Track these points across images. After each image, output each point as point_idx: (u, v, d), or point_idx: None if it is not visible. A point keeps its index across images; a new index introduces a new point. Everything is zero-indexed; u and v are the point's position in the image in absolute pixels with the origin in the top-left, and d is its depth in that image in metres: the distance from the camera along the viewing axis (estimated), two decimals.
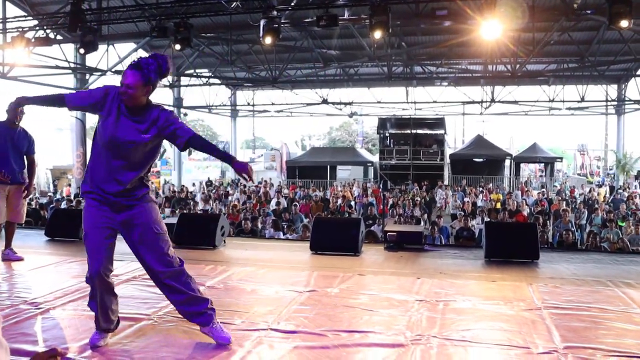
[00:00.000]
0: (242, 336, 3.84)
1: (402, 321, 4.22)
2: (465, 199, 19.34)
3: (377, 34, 9.99)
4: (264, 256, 7.33)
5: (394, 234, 7.60)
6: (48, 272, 6.05)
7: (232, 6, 12.58)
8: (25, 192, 6.54)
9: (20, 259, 6.54)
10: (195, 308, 3.75)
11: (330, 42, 22.14)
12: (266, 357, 3.49)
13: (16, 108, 6.28)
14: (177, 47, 11.95)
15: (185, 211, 14.92)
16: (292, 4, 13.31)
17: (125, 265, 6.34)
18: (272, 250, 8.07)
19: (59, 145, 26.99)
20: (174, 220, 8.60)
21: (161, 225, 3.71)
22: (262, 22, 11.01)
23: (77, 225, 8.14)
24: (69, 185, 24.84)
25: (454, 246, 9.16)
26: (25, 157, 6.45)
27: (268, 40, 11.03)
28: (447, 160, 30.23)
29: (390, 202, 18.24)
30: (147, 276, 5.62)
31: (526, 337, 3.90)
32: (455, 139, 43.56)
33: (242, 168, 3.52)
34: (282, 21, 12.24)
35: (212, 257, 6.97)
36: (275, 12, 11.14)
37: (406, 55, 22.09)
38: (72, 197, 18.78)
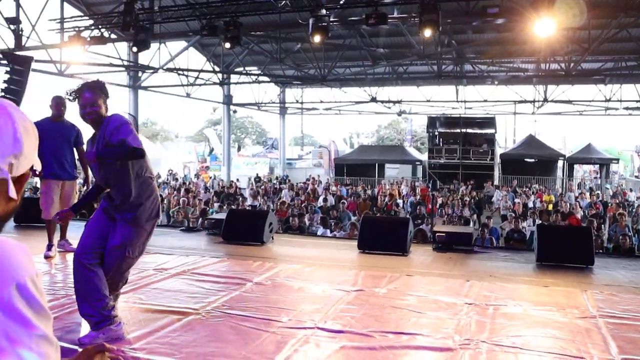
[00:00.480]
0: (289, 334, 3.84)
1: (451, 324, 4.15)
2: (516, 200, 18.94)
3: (427, 33, 9.85)
4: (311, 254, 7.33)
5: (443, 234, 7.49)
6: None
7: (281, 5, 12.60)
8: (85, 185, 6.74)
9: (74, 250, 6.66)
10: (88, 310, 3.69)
11: (379, 40, 21.99)
12: (312, 356, 3.48)
13: (58, 104, 6.50)
14: (227, 45, 12.05)
15: (233, 206, 15.09)
16: (341, 2, 13.24)
17: (175, 259, 6.44)
18: (320, 247, 8.06)
19: None
20: (222, 215, 8.69)
21: (133, 250, 3.78)
22: (310, 21, 10.99)
23: None
24: None
25: (504, 248, 8.96)
26: (75, 149, 6.59)
27: (317, 38, 11.00)
28: (498, 160, 29.66)
29: (440, 201, 18.00)
30: (196, 270, 5.77)
31: (580, 346, 3.76)
32: (506, 139, 42.67)
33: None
34: (331, 19, 12.18)
35: (260, 254, 7.00)
36: (324, 11, 11.10)
37: (456, 54, 21.76)
38: None
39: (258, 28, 18.61)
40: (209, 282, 5.34)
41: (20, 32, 14.51)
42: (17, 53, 13.75)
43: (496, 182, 26.25)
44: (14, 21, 14.20)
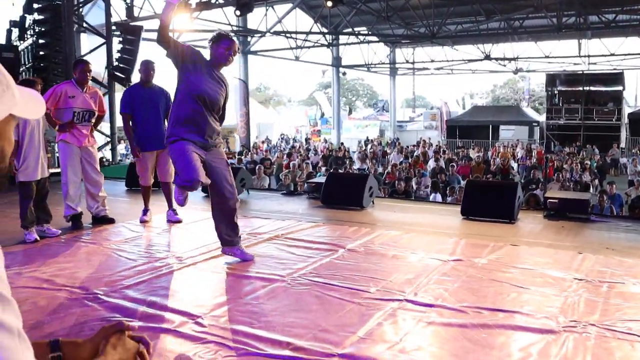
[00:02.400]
0: (375, 306, 3.62)
1: (556, 303, 3.73)
2: None
3: None
4: (412, 219, 7.03)
5: (555, 200, 6.90)
6: (197, 228, 6.24)
7: None
8: None
9: (179, 221, 6.63)
10: None
11: None
12: (396, 331, 3.23)
13: (147, 68, 6.50)
14: (329, 4, 11.78)
15: (340, 170, 15.00)
16: None
17: (270, 223, 6.39)
18: (422, 213, 7.73)
19: (227, 105, 28.23)
20: (323, 179, 8.56)
21: None
22: None
23: None
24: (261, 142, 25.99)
25: (628, 218, 8.16)
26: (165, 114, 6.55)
27: None
28: (625, 120, 27.47)
29: (556, 165, 16.94)
30: (290, 235, 5.67)
31: None
32: (637, 97, 39.51)
33: None
34: None
35: (357, 219, 6.81)
36: None
37: (579, 3, 20.09)
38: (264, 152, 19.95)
39: None
40: (300, 247, 5.21)
41: (131, 4, 14.97)
42: (129, 23, 14.22)
43: (622, 145, 24.35)
44: None
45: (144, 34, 13.67)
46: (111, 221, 6.39)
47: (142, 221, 6.54)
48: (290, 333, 3.15)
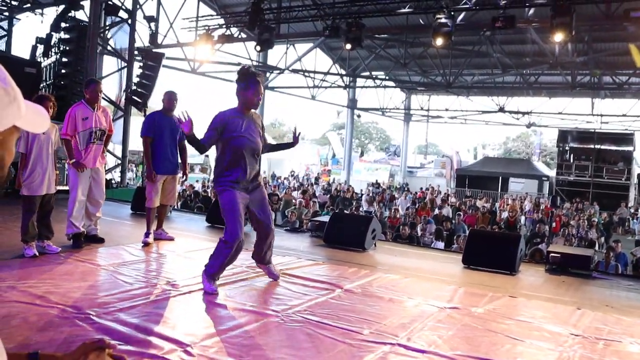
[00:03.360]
0: (366, 348, 3.57)
1: (551, 357, 3.67)
2: None
3: (558, 37, 9.14)
4: (411, 264, 6.97)
5: (558, 255, 6.84)
6: (198, 257, 6.21)
7: (405, 6, 12.28)
8: (184, 176, 6.98)
9: (170, 239, 6.88)
10: None
11: (510, 48, 21.03)
12: None
13: (171, 98, 6.69)
14: (348, 46, 11.95)
15: (346, 211, 14.97)
16: (466, 4, 12.69)
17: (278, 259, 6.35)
18: (423, 259, 7.67)
19: None
20: (325, 218, 8.54)
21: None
22: (433, 24, 10.62)
23: None
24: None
25: (631, 277, 8.07)
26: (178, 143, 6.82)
27: (439, 42, 10.61)
28: (635, 180, 27.38)
29: (562, 220, 16.83)
30: (289, 272, 5.63)
31: None
32: None
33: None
34: (457, 23, 11.69)
35: (358, 260, 6.77)
36: (442, 17, 10.66)
37: (593, 63, 20.27)
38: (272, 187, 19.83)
39: (383, 31, 18.36)
40: (298, 284, 5.17)
41: (156, 31, 15.28)
42: (151, 50, 14.49)
43: (631, 204, 24.24)
44: (151, 19, 14.98)
45: (164, 61, 13.90)
46: (100, 241, 6.41)
47: (145, 243, 6.56)
48: None
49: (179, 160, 6.89)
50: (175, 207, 13.33)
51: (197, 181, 22.35)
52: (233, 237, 4.61)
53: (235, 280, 5.15)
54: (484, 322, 4.37)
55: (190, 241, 7.19)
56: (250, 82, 4.70)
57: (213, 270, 4.71)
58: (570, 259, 6.81)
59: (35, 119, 1.10)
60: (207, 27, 14.68)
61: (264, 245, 5.10)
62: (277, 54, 23.03)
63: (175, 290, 4.66)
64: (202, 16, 15.96)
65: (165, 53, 14.15)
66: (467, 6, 11.43)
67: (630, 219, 19.79)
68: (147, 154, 6.59)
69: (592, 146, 28.17)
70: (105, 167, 6.66)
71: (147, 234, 6.69)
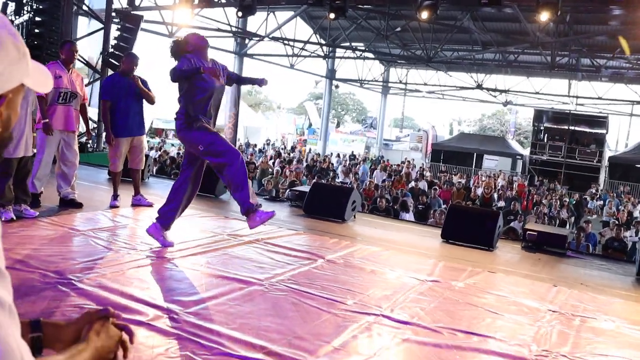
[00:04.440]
0: (351, 318, 3.60)
1: (529, 331, 3.76)
2: (620, 207, 17.69)
3: (544, 16, 9.16)
4: (392, 237, 7.04)
5: (534, 233, 6.96)
6: (178, 224, 6.16)
7: None
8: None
9: (150, 205, 6.82)
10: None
11: (492, 25, 21.03)
12: (371, 345, 3.22)
13: (132, 61, 6.58)
14: (332, 15, 11.79)
15: (322, 181, 14.98)
16: None
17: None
18: (402, 232, 7.74)
19: None
20: (307, 188, 8.54)
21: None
22: None
23: (214, 182, 8.34)
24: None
25: (601, 256, 8.25)
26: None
27: (424, 15, 10.55)
28: (605, 162, 27.87)
29: (536, 199, 17.08)
30: (270, 241, 5.63)
31: None
32: (618, 141, 40.21)
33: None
34: None
35: (338, 231, 6.80)
36: None
37: (573, 45, 20.42)
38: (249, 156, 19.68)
39: (367, 1, 18.18)
40: (280, 253, 5.19)
41: None
42: (130, 12, 14.15)
43: (601, 187, 24.69)
44: None
45: (142, 24, 13.60)
46: (79, 206, 6.29)
47: (113, 206, 6.59)
48: (265, 337, 3.11)
49: (150, 125, 6.83)
50: (152, 172, 13.21)
51: (172, 145, 22.13)
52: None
53: (217, 249, 5.13)
54: (464, 296, 4.44)
55: None
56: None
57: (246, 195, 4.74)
58: (546, 238, 6.94)
59: (40, 77, 1.07)
60: None
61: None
62: (256, 21, 22.77)
63: (158, 257, 4.63)
64: None
65: (143, 16, 13.83)
66: None
67: (590, 199, 20.23)
68: (106, 117, 6.49)
69: (566, 127, 28.52)
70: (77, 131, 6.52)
71: (114, 197, 6.70)
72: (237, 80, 5.33)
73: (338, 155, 27.54)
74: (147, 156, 8.62)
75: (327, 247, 5.74)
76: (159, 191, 8.58)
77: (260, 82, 5.09)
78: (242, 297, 3.82)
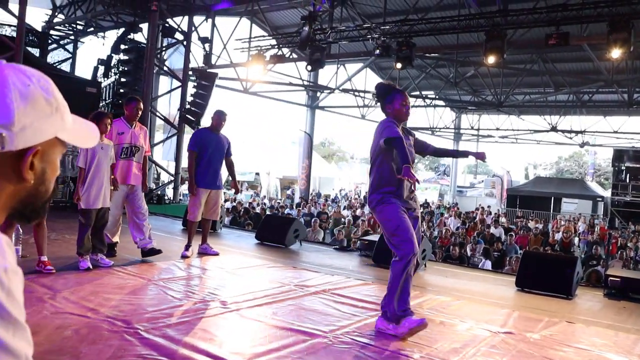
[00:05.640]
0: None
1: None
2: None
3: (616, 53, 8.81)
4: (463, 286, 6.75)
5: (618, 279, 6.50)
6: (246, 274, 6.16)
7: (455, 24, 12.06)
8: (236, 191, 7.07)
9: (215, 254, 6.90)
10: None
11: (563, 66, 20.49)
12: None
13: (220, 118, 6.80)
14: (399, 65, 11.81)
15: None
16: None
17: (319, 277, 6.26)
18: (475, 280, 7.42)
19: (291, 157, 28.62)
20: (375, 237, 8.39)
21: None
22: (485, 41, 10.40)
23: (284, 232, 8.36)
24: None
25: None
26: (225, 160, 6.93)
27: (491, 60, 10.37)
28: None
29: (619, 242, 16.16)
30: (337, 291, 5.51)
31: None
32: None
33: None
34: (508, 40, 11.42)
35: None
36: (500, 31, 10.44)
37: None
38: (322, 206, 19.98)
39: (433, 50, 18.15)
40: (347, 304, 5.05)
41: (210, 52, 15.52)
42: (205, 70, 14.71)
43: None
44: (205, 40, 15.23)
45: (217, 81, 14.09)
46: (158, 252, 6.39)
47: (184, 256, 6.66)
48: None
49: (227, 178, 6.98)
50: (225, 223, 13.43)
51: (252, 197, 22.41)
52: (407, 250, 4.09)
53: (283, 299, 5.05)
54: (540, 349, 4.14)
55: (239, 258, 7.16)
56: (395, 95, 4.35)
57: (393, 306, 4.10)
58: (631, 283, 6.46)
59: (81, 132, 1.07)
60: (259, 48, 14.80)
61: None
62: (327, 74, 23.11)
63: (224, 307, 4.60)
64: (255, 37, 16.12)
65: (218, 73, 14.33)
66: (521, 24, 11.17)
67: None
68: (191, 167, 6.70)
69: None
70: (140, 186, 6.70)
71: (187, 247, 6.82)
72: (435, 152, 4.83)
73: None
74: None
75: None
76: (229, 241, 8.68)
77: (479, 156, 4.65)
78: (305, 350, 3.70)
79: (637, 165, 27.77)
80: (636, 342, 4.57)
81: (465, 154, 4.77)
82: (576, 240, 17.95)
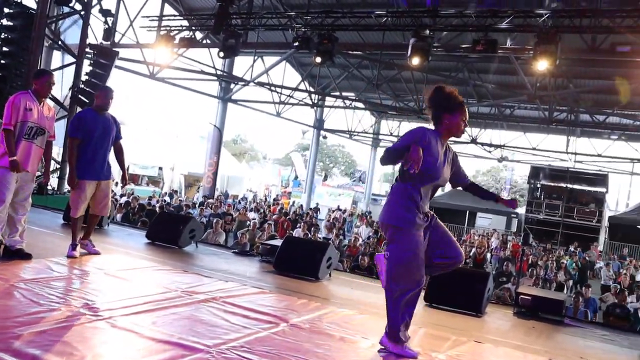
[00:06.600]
0: None
1: None
2: (622, 271, 17.33)
3: (542, 65, 9.01)
4: (370, 299, 6.60)
5: (528, 298, 6.56)
6: (128, 277, 5.73)
7: (382, 21, 12.04)
8: (124, 182, 6.65)
9: (96, 253, 6.41)
10: None
11: (488, 77, 21.10)
12: None
13: (107, 95, 6.27)
14: (318, 59, 11.64)
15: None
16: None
17: (211, 282, 5.93)
18: (383, 293, 7.29)
19: (198, 152, 27.92)
20: (278, 242, 8.14)
21: None
22: (411, 41, 10.41)
23: (178, 232, 7.99)
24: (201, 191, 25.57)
25: (604, 325, 7.84)
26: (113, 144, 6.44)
27: (415, 61, 10.40)
28: (605, 223, 27.68)
29: (531, 260, 16.73)
30: (229, 300, 5.19)
31: None
32: (618, 201, 40.23)
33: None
34: (435, 44, 11.52)
35: (310, 290, 6.37)
36: (427, 32, 10.49)
37: (572, 99, 20.44)
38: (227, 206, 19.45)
39: (357, 47, 18.16)
40: (238, 315, 4.74)
41: (113, 27, 14.76)
42: (105, 46, 13.98)
43: (600, 248, 24.43)
44: (107, 13, 14.44)
45: (121, 62, 13.40)
46: (27, 257, 5.76)
47: (70, 256, 6.06)
48: None
49: (114, 165, 6.47)
50: (117, 220, 12.77)
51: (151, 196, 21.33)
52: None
53: (166, 307, 4.68)
54: None
55: (123, 258, 6.70)
56: (459, 108, 4.17)
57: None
58: (541, 303, 6.54)
59: None
60: (168, 28, 14.24)
61: None
62: (243, 65, 22.74)
63: (94, 315, 4.17)
64: (165, 16, 15.51)
65: (119, 52, 13.63)
66: (449, 27, 11.29)
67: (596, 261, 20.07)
68: (72, 156, 6.11)
69: (564, 185, 28.43)
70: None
71: (72, 246, 6.19)
72: (469, 187, 4.92)
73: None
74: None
75: (293, 308, 5.30)
76: (116, 239, 8.17)
77: (510, 204, 4.64)
78: None
79: (552, 184, 29.13)
80: None
81: (495, 198, 4.70)
82: (488, 255, 18.45)
